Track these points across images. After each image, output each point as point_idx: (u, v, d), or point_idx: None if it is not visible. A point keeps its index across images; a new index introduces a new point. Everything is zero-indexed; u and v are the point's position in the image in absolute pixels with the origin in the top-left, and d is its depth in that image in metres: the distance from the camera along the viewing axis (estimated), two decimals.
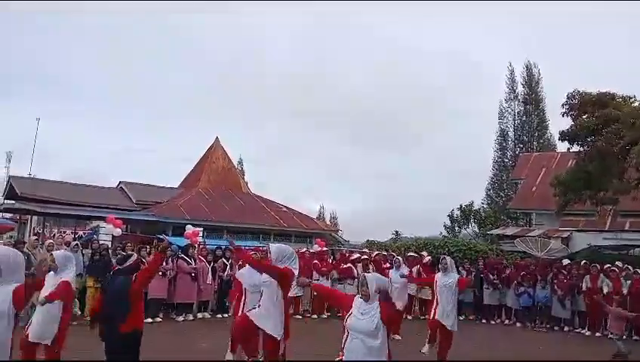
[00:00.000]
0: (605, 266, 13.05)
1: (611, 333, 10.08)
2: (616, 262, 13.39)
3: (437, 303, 8.34)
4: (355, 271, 14.04)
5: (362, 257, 14.91)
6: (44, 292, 5.96)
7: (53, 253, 6.72)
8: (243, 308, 7.11)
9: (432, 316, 8.37)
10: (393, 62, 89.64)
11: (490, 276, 14.33)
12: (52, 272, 6.22)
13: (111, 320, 5.49)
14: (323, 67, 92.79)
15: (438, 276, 8.58)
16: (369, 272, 13.95)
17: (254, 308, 6.20)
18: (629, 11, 73.21)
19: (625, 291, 12.00)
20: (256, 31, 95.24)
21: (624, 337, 10.55)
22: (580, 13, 79.66)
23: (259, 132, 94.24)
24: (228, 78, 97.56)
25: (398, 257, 12.68)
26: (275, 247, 6.33)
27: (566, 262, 14.53)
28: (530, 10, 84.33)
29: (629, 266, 13.15)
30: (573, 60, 74.83)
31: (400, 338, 10.40)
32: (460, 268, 14.55)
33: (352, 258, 15.05)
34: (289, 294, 12.13)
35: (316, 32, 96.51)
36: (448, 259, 8.78)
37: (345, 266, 14.03)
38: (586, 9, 76.94)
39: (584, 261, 13.97)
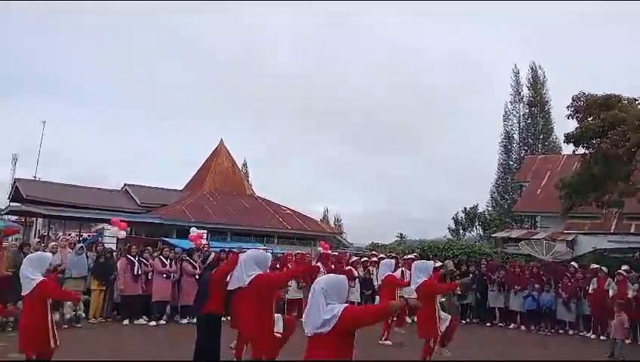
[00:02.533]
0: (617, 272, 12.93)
1: (615, 339, 10.05)
2: (623, 267, 13.28)
3: (438, 315, 7.75)
4: (356, 273, 14.09)
5: (362, 259, 14.94)
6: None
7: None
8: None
9: (440, 331, 7.74)
10: (395, 62, 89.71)
11: (493, 277, 14.29)
12: None
13: (197, 305, 7.05)
14: (327, 67, 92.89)
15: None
16: (370, 275, 14.06)
17: None
18: (634, 11, 72.88)
19: (630, 295, 11.93)
20: (258, 31, 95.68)
21: (628, 341, 10.53)
22: (584, 13, 79.48)
23: (263, 133, 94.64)
24: (230, 80, 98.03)
25: (392, 260, 12.37)
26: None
27: (574, 265, 14.41)
28: (532, 10, 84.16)
29: (635, 270, 13.10)
30: (579, 62, 74.70)
31: (404, 332, 10.42)
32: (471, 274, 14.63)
33: (352, 260, 15.09)
34: (290, 297, 12.19)
35: (317, 32, 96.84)
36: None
37: (346, 268, 14.07)
38: (589, 9, 76.66)
39: (597, 265, 13.79)
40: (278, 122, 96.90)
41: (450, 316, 8.25)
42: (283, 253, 14.87)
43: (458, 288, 9.29)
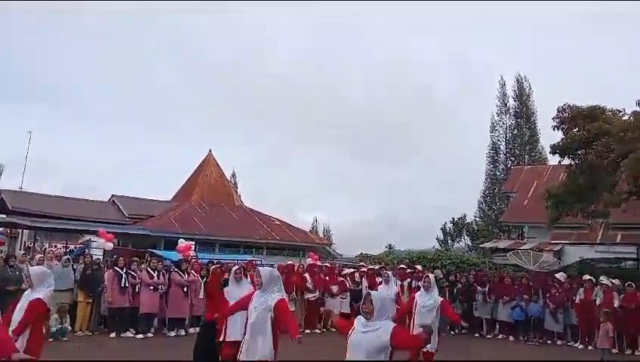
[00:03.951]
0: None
1: (603, 348, 10.14)
2: (601, 277, 13.36)
3: (413, 325, 7.69)
4: (348, 284, 14.10)
5: (350, 271, 14.97)
6: (16, 314, 5.34)
7: (29, 268, 6.35)
8: (226, 328, 6.90)
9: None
10: (389, 76, 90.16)
11: (480, 288, 14.34)
12: (29, 290, 5.63)
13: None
14: (321, 77, 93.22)
15: (418, 295, 8.06)
16: (359, 286, 14.06)
17: (242, 338, 5.95)
18: (621, 25, 74.28)
19: (616, 304, 12.02)
20: (255, 40, 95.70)
21: (615, 350, 10.61)
22: (582, 14, 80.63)
23: (252, 144, 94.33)
24: (223, 89, 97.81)
25: (388, 271, 12.63)
26: (266, 271, 6.01)
27: (561, 275, 14.50)
28: (526, 23, 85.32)
29: (620, 280, 13.23)
30: (566, 73, 75.75)
31: None
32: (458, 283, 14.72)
33: (344, 272, 15.10)
34: None
35: (314, 43, 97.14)
36: (431, 276, 8.36)
37: (339, 279, 14.12)
38: (587, 8, 77.78)
39: (589, 276, 13.85)
40: (270, 133, 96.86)
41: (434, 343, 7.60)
42: (271, 265, 14.85)
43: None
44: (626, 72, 68.04)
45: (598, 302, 12.29)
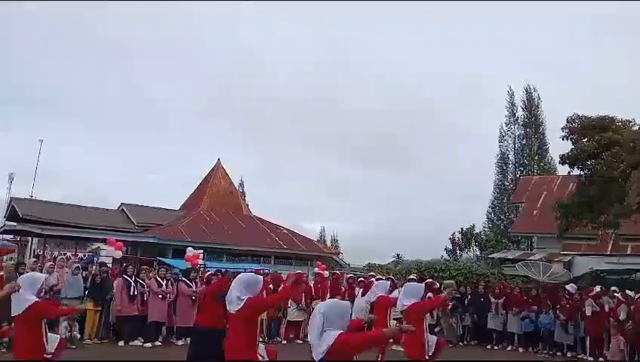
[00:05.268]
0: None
1: (613, 361, 10.04)
2: (612, 288, 13.26)
3: (426, 337, 7.31)
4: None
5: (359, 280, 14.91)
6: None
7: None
8: None
9: (428, 355, 7.21)
10: (396, 85, 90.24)
11: (493, 299, 14.22)
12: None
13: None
14: (326, 88, 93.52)
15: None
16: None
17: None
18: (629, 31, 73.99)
19: (622, 316, 11.86)
20: (258, 53, 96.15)
21: None
22: (580, 33, 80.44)
23: (260, 153, 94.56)
24: (230, 98, 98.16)
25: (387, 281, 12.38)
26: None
27: (571, 287, 14.38)
28: (532, 34, 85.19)
29: (631, 291, 13.11)
30: (574, 83, 75.44)
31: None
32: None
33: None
34: (290, 318, 12.11)
35: (318, 54, 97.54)
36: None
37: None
38: (586, 27, 77.57)
39: (599, 287, 13.74)
40: (278, 142, 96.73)
41: (435, 338, 7.75)
42: (276, 271, 14.87)
43: (446, 295, 9.22)
44: (636, 82, 67.58)
45: (622, 317, 12.04)
